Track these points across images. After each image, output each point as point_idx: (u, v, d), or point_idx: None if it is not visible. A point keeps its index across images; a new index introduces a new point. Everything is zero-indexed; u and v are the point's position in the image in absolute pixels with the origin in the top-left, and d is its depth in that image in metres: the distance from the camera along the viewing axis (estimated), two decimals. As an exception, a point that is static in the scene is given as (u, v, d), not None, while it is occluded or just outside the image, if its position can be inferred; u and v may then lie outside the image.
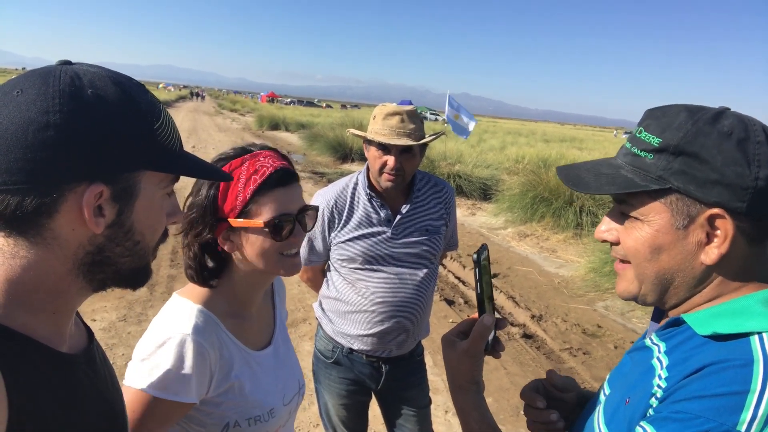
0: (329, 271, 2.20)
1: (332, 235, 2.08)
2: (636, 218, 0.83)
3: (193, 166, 0.79)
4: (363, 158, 14.67)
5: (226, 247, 1.17)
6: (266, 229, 1.12)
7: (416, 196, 2.10)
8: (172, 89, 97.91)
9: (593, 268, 6.31)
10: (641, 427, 0.74)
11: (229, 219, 1.14)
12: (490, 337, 0.95)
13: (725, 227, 0.76)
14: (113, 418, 0.80)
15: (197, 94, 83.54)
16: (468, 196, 11.29)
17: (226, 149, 1.22)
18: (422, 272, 2.09)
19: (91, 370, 0.78)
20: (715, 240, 0.77)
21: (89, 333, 0.84)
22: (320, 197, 2.11)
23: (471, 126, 11.23)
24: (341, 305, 2.12)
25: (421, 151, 2.08)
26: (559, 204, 8.48)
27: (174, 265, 5.60)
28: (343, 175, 6.99)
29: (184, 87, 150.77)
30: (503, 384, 4.00)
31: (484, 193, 11.22)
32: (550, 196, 8.63)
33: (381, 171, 2.00)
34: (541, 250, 7.94)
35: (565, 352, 4.67)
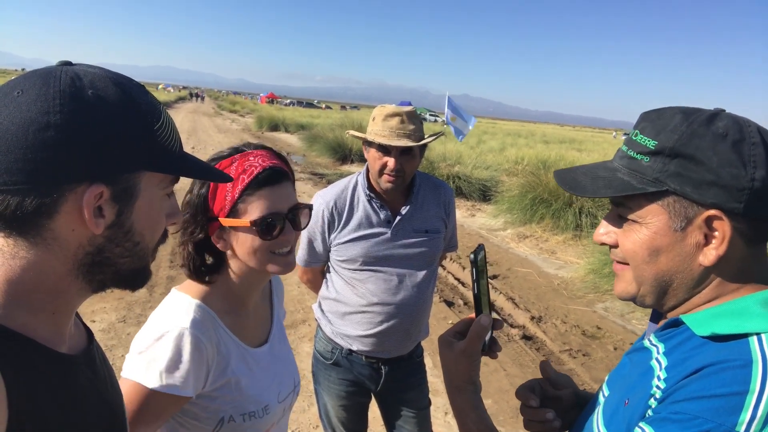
0: (329, 272, 2.20)
1: (332, 236, 2.08)
2: (634, 221, 0.84)
3: (192, 167, 0.79)
4: (362, 159, 14.67)
5: (219, 246, 1.19)
6: (254, 228, 1.13)
7: (416, 197, 2.11)
8: (172, 90, 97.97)
9: (593, 270, 6.32)
10: (640, 427, 0.74)
11: (219, 218, 1.15)
12: (487, 338, 0.95)
13: (723, 228, 0.76)
14: (113, 418, 0.80)
15: (197, 95, 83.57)
16: (467, 197, 11.30)
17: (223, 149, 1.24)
18: (422, 273, 2.09)
19: (91, 370, 0.78)
20: (713, 241, 0.78)
21: (89, 333, 0.84)
22: (320, 198, 2.11)
23: (469, 127, 11.24)
24: (341, 306, 2.12)
25: (420, 152, 2.08)
26: (559, 205, 8.49)
27: (173, 266, 5.59)
28: (342, 176, 7.01)
29: (184, 88, 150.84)
30: (503, 385, 4.00)
31: (484, 194, 11.23)
32: (550, 197, 8.64)
33: (381, 172, 2.00)
34: (540, 251, 7.94)
35: (565, 353, 4.67)
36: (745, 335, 0.73)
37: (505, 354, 4.53)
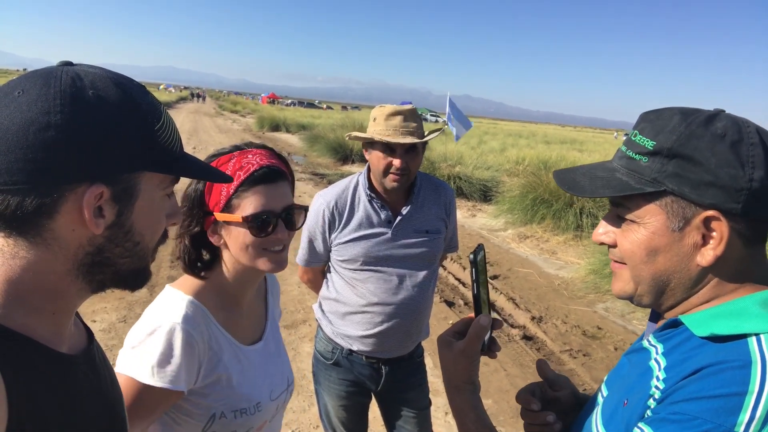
0: (329, 272, 2.20)
1: (332, 236, 2.09)
2: (632, 221, 0.84)
3: (193, 167, 0.80)
4: (363, 160, 14.66)
5: (213, 240, 1.21)
6: (246, 224, 1.15)
7: (417, 197, 2.11)
8: (173, 90, 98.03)
9: (593, 270, 6.31)
10: (639, 428, 0.74)
11: (214, 213, 1.18)
12: (487, 338, 0.95)
13: (720, 229, 0.76)
14: (113, 418, 0.80)
15: (198, 95, 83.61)
16: (468, 197, 11.29)
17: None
18: (422, 273, 2.09)
19: (91, 370, 0.78)
20: (711, 242, 0.78)
21: (89, 333, 0.84)
22: (320, 198, 2.11)
23: (464, 130, 11.29)
24: (341, 306, 2.12)
25: (422, 150, 2.08)
26: (560, 206, 8.48)
27: (174, 267, 5.59)
28: (343, 176, 7.01)
29: (185, 88, 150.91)
30: (503, 386, 4.00)
31: (485, 194, 11.22)
32: (551, 197, 8.63)
33: (386, 172, 2.00)
34: (541, 251, 7.94)
35: (565, 353, 4.67)
36: (744, 336, 0.73)
37: (505, 354, 4.53)
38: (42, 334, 0.68)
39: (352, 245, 2.05)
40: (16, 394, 0.61)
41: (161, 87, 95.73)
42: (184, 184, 1.21)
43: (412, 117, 2.02)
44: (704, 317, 0.78)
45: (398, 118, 1.99)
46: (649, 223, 0.82)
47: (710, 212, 0.77)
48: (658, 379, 0.78)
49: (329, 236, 2.09)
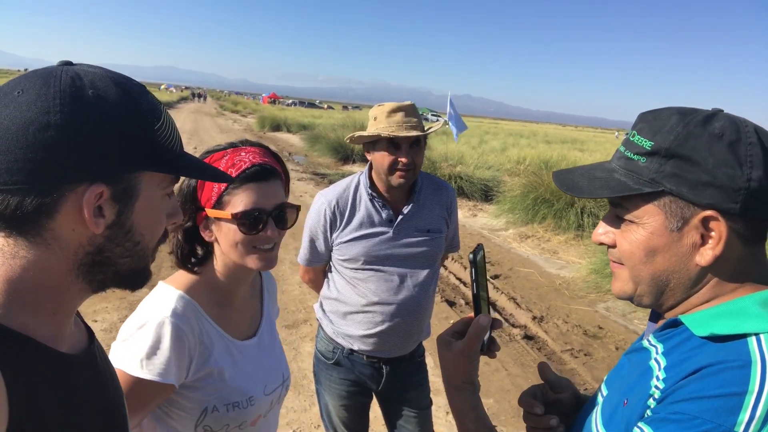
0: (330, 271, 2.20)
1: (334, 235, 2.09)
2: (631, 221, 0.84)
3: (193, 166, 0.80)
4: (364, 160, 14.66)
5: (205, 236, 1.22)
6: (236, 221, 1.16)
7: (418, 196, 2.11)
8: (174, 90, 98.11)
9: (594, 270, 6.31)
10: (639, 428, 0.74)
11: (205, 208, 1.19)
12: (486, 337, 0.95)
13: (719, 229, 0.76)
14: (113, 417, 0.80)
15: (199, 95, 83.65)
16: (469, 197, 11.29)
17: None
18: (423, 272, 2.09)
19: (92, 370, 0.78)
20: (710, 241, 0.78)
21: (90, 333, 0.84)
22: (322, 197, 2.11)
23: (456, 131, 11.33)
24: (342, 306, 2.12)
25: (424, 145, 2.10)
26: (561, 205, 8.48)
27: (175, 267, 5.58)
28: (344, 176, 7.03)
29: (186, 88, 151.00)
30: (504, 385, 4.00)
31: (486, 194, 11.22)
32: (552, 197, 8.63)
33: (392, 169, 2.00)
34: (542, 251, 7.94)
35: (567, 353, 4.67)
36: (744, 335, 0.73)
37: (506, 354, 4.53)
38: (42, 334, 0.68)
39: (354, 244, 2.05)
40: (17, 393, 0.61)
41: (162, 87, 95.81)
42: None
43: (413, 112, 2.03)
44: (704, 317, 0.78)
45: (400, 114, 1.99)
46: (647, 223, 0.81)
47: (708, 212, 0.77)
48: (658, 378, 0.78)
49: (330, 235, 2.09)
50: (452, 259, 6.93)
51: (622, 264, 0.87)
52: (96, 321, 4.32)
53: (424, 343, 2.33)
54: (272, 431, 1.40)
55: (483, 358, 0.97)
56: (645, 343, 0.88)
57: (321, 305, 2.25)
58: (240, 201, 1.17)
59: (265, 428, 1.34)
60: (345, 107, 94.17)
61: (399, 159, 1.98)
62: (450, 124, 11.15)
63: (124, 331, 1.15)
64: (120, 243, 0.72)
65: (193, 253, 1.27)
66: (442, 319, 5.04)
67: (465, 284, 6.25)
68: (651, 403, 0.76)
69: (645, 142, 0.81)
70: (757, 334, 0.73)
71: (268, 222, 1.19)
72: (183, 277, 1.24)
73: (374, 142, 2.03)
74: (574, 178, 0.91)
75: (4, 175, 0.62)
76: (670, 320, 0.83)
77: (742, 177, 0.75)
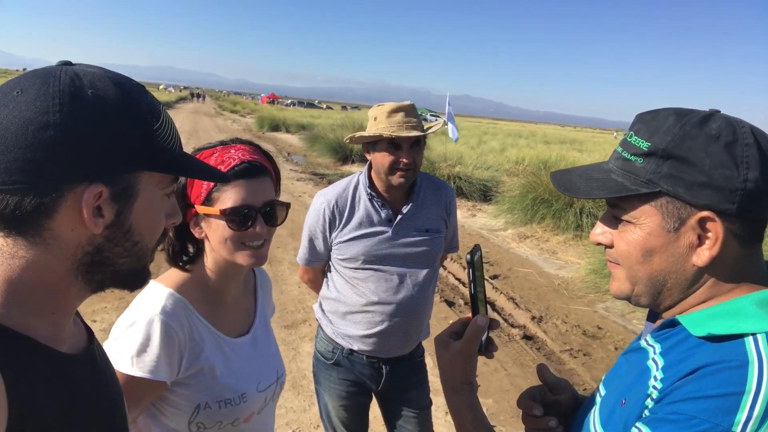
0: (329, 271, 2.20)
1: (333, 235, 2.09)
2: (628, 222, 0.84)
3: (192, 166, 0.80)
4: (363, 160, 14.68)
5: (195, 233, 1.23)
6: (224, 218, 1.17)
7: (417, 196, 2.11)
8: (173, 90, 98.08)
9: (593, 270, 6.32)
10: (637, 428, 0.74)
11: (195, 205, 1.20)
12: (484, 338, 0.95)
13: (716, 229, 0.77)
14: (113, 417, 0.80)
15: (198, 95, 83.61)
16: (468, 197, 11.30)
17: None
18: (423, 272, 2.09)
19: (91, 369, 0.78)
20: (706, 242, 0.78)
21: (89, 333, 0.84)
22: (321, 197, 2.11)
23: (456, 132, 11.37)
24: (341, 306, 2.12)
25: (423, 145, 2.10)
26: (560, 206, 8.48)
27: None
28: (343, 176, 7.03)
29: (185, 88, 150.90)
30: (503, 385, 4.00)
31: (485, 194, 11.22)
32: (550, 197, 8.64)
33: (393, 169, 2.00)
34: (541, 251, 7.94)
35: (566, 353, 4.67)
36: (741, 336, 0.73)
37: (505, 354, 4.53)
38: (42, 334, 0.68)
39: (353, 244, 2.05)
40: (16, 393, 0.61)
41: (161, 87, 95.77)
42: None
43: (413, 112, 2.05)
44: (701, 317, 0.78)
45: (400, 114, 2.00)
46: (644, 223, 0.82)
47: (705, 213, 0.77)
48: (655, 379, 0.78)
49: (330, 235, 2.09)
50: (451, 259, 6.93)
51: (619, 264, 0.87)
52: (95, 321, 4.31)
53: (424, 343, 2.33)
54: (268, 428, 1.40)
55: (481, 358, 0.97)
56: (643, 343, 0.88)
57: (320, 305, 2.25)
58: (229, 197, 1.18)
59: (260, 425, 1.34)
60: (344, 107, 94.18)
61: (400, 159, 1.98)
62: (449, 124, 11.16)
63: (115, 330, 1.17)
64: (119, 243, 0.72)
65: (185, 250, 1.28)
66: (441, 319, 5.04)
67: (464, 284, 6.25)
68: (649, 403, 0.76)
69: (642, 142, 0.82)
70: (754, 334, 0.73)
71: (257, 218, 1.20)
72: (174, 275, 1.25)
73: (374, 143, 2.04)
74: (571, 179, 0.91)
75: (3, 174, 0.62)
76: (667, 320, 0.84)
77: (739, 178, 0.75)
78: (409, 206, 2.08)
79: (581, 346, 4.83)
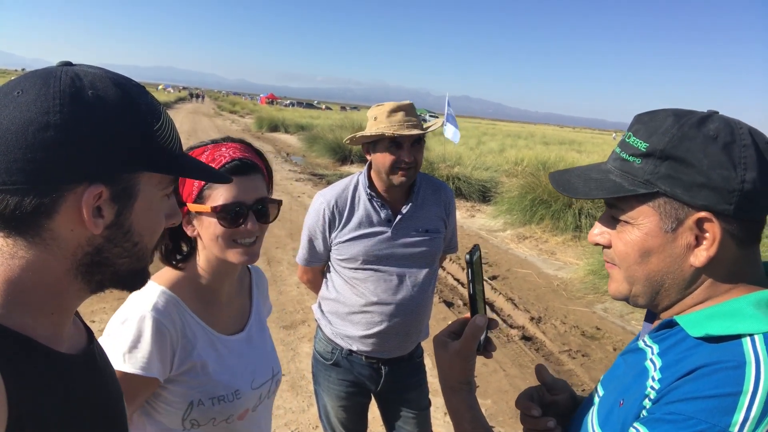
0: (329, 272, 2.20)
1: (333, 235, 2.09)
2: (626, 222, 0.84)
3: (192, 167, 0.80)
4: (362, 160, 14.69)
5: (188, 231, 1.24)
6: (215, 215, 1.18)
7: (416, 196, 2.12)
8: (172, 91, 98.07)
9: (592, 271, 6.32)
10: (635, 428, 0.75)
11: (186, 203, 1.20)
12: (482, 338, 0.95)
13: (713, 230, 0.77)
14: (113, 417, 0.80)
15: (197, 96, 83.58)
16: (467, 198, 11.30)
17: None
18: (422, 272, 2.10)
19: (91, 370, 0.78)
20: (704, 243, 0.78)
21: (89, 333, 0.84)
22: (321, 197, 2.12)
23: (449, 133, 11.36)
24: (341, 306, 2.12)
25: (423, 143, 2.11)
26: (558, 206, 8.49)
27: (173, 267, 5.57)
28: (342, 176, 7.03)
29: (184, 88, 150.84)
30: (502, 386, 4.00)
31: (483, 195, 11.23)
32: (549, 198, 8.64)
33: (395, 168, 2.00)
34: (540, 252, 7.95)
35: (564, 354, 4.68)
36: (739, 336, 0.74)
37: (504, 354, 4.54)
38: (41, 334, 0.68)
39: (352, 244, 2.05)
40: (16, 393, 0.61)
41: (160, 87, 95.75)
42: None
43: (413, 111, 2.05)
44: (699, 318, 0.79)
45: (401, 114, 2.01)
46: (642, 224, 0.82)
47: (703, 213, 0.77)
48: (653, 379, 0.78)
49: (329, 235, 2.10)
50: (450, 259, 6.94)
51: (617, 265, 0.87)
52: (94, 321, 4.31)
53: (423, 343, 2.33)
54: (264, 426, 1.40)
55: (480, 359, 0.97)
56: (641, 343, 0.88)
57: (319, 306, 2.25)
58: (220, 195, 1.18)
59: (255, 423, 1.35)
60: (343, 108, 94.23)
61: (401, 158, 1.99)
62: (449, 125, 11.15)
63: (108, 328, 1.18)
64: (119, 243, 0.72)
65: (178, 249, 1.28)
66: (440, 319, 5.04)
67: (463, 285, 6.25)
68: (647, 403, 0.77)
69: (640, 143, 0.82)
70: (751, 335, 0.73)
71: (248, 216, 1.20)
72: (167, 273, 1.26)
73: (375, 142, 2.04)
74: (570, 179, 0.92)
75: (3, 175, 0.62)
76: (665, 321, 0.84)
77: (736, 179, 0.75)
78: (408, 206, 2.09)
79: (580, 346, 4.84)
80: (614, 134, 76.89)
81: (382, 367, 2.15)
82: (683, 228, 0.79)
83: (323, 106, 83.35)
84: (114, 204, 0.69)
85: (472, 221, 9.99)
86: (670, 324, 0.83)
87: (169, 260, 1.26)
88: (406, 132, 1.96)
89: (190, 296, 1.24)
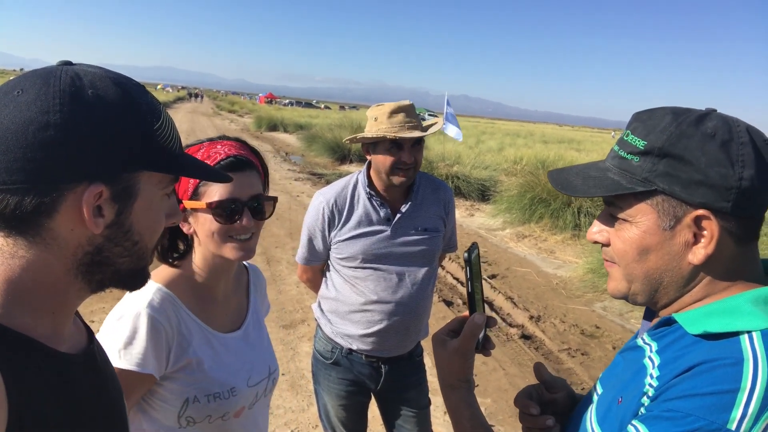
0: (328, 271, 2.21)
1: (332, 233, 2.09)
2: (624, 220, 0.84)
3: (192, 166, 0.80)
4: (361, 159, 14.69)
5: (184, 229, 1.24)
6: (211, 211, 1.19)
7: (416, 195, 2.12)
8: (170, 90, 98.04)
9: (591, 269, 6.32)
10: (633, 425, 0.75)
11: (182, 200, 1.21)
12: (481, 336, 0.95)
13: (711, 227, 0.77)
14: (113, 417, 0.80)
15: (195, 95, 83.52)
16: (466, 197, 11.30)
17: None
18: (421, 271, 2.10)
19: (91, 369, 0.78)
20: (702, 240, 0.78)
21: (89, 333, 0.84)
22: (320, 196, 2.12)
23: (452, 132, 11.36)
24: (340, 305, 2.13)
25: (423, 143, 2.11)
26: (557, 205, 8.49)
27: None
28: (341, 176, 7.04)
29: (183, 88, 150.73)
30: (502, 385, 4.01)
31: (483, 194, 11.23)
32: (548, 197, 8.64)
33: (395, 169, 2.01)
34: (539, 251, 7.95)
35: (564, 352, 4.68)
36: (737, 333, 0.74)
37: (504, 353, 4.54)
38: (42, 334, 0.69)
39: (352, 243, 2.06)
40: (16, 393, 0.61)
41: (159, 87, 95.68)
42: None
43: (413, 112, 2.06)
44: (697, 315, 0.79)
45: (401, 115, 2.01)
46: (640, 222, 0.82)
47: (701, 211, 0.77)
48: (651, 376, 0.78)
49: (329, 234, 2.10)
50: (449, 258, 6.94)
51: (616, 263, 0.88)
52: (93, 321, 4.31)
53: (423, 342, 2.33)
54: (261, 424, 1.40)
55: (480, 358, 0.97)
56: (639, 341, 0.88)
57: (319, 305, 2.26)
58: (215, 191, 1.19)
59: (252, 421, 1.35)
60: (342, 107, 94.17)
61: (402, 159, 1.99)
62: (450, 125, 11.14)
63: (104, 325, 1.19)
64: (119, 243, 0.72)
65: (174, 247, 1.29)
66: (439, 318, 5.04)
67: (462, 284, 6.25)
68: (645, 400, 0.77)
69: (638, 141, 0.82)
70: (749, 332, 0.73)
71: (243, 212, 1.22)
72: (163, 270, 1.27)
73: (375, 143, 2.04)
74: (568, 177, 0.92)
75: (4, 174, 0.62)
76: (663, 318, 0.84)
77: (734, 176, 0.75)
78: (407, 205, 2.09)
79: (579, 345, 4.84)
80: (613, 133, 76.96)
81: (382, 366, 2.16)
82: (681, 226, 0.79)
83: (322, 106, 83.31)
84: (114, 203, 0.69)
85: (472, 220, 9.99)
86: (669, 321, 0.83)
87: (165, 258, 1.26)
88: (408, 134, 1.97)
89: (186, 293, 1.25)
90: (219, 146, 1.24)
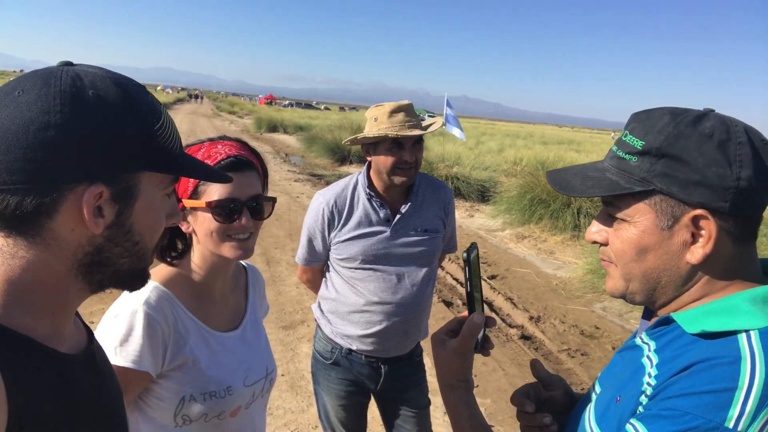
0: (328, 271, 2.21)
1: (332, 234, 2.10)
2: (623, 220, 0.85)
3: (192, 167, 0.80)
4: (361, 160, 14.69)
5: (183, 228, 1.25)
6: (210, 210, 1.20)
7: (416, 196, 2.12)
8: (170, 92, 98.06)
9: (591, 270, 6.33)
10: (631, 424, 0.75)
11: (182, 199, 1.22)
12: (480, 335, 0.95)
13: (709, 227, 0.77)
14: (113, 417, 0.81)
15: (195, 96, 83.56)
16: (466, 198, 11.31)
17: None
18: (421, 272, 2.10)
19: (91, 369, 0.78)
20: (700, 240, 0.79)
21: (89, 333, 0.84)
22: (320, 197, 2.12)
23: (456, 132, 11.38)
24: (340, 306, 2.13)
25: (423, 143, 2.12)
26: (557, 206, 8.50)
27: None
28: (341, 177, 7.05)
29: (182, 89, 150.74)
30: (501, 385, 4.01)
31: (482, 195, 11.24)
32: (548, 198, 8.65)
33: (396, 168, 2.01)
34: (539, 251, 7.95)
35: (563, 353, 4.68)
36: (734, 332, 0.74)
37: (503, 354, 4.54)
38: (42, 334, 0.69)
39: (351, 244, 2.06)
40: (16, 393, 0.61)
41: (158, 88, 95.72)
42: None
43: (412, 111, 2.07)
44: (695, 314, 0.79)
45: (401, 114, 2.02)
46: (638, 221, 0.82)
47: (698, 211, 0.78)
48: (650, 375, 0.79)
49: (328, 235, 2.10)
50: (449, 259, 6.94)
51: (613, 262, 0.88)
52: (93, 322, 4.30)
53: (422, 343, 2.34)
54: (258, 425, 1.41)
55: (480, 358, 0.97)
56: (637, 340, 0.88)
57: (319, 305, 2.26)
58: (215, 191, 1.20)
59: (248, 421, 1.35)
60: (342, 108, 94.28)
61: (403, 158, 2.00)
62: (449, 125, 11.16)
63: (101, 323, 1.19)
64: (119, 243, 0.72)
65: (173, 246, 1.29)
66: (439, 319, 5.04)
67: (462, 284, 6.25)
68: (643, 399, 0.77)
69: (636, 141, 0.83)
70: (747, 331, 0.74)
71: (242, 211, 1.22)
72: (161, 269, 1.27)
73: (376, 143, 2.05)
74: (567, 178, 0.92)
75: (4, 174, 0.62)
76: (662, 318, 0.84)
77: (732, 176, 0.76)
78: (407, 206, 2.09)
79: (579, 345, 4.85)
80: (612, 134, 77.02)
81: (382, 367, 2.16)
82: (679, 225, 0.80)
83: (322, 107, 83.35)
84: (115, 204, 0.69)
85: (471, 221, 9.99)
86: (667, 321, 0.83)
87: (163, 257, 1.27)
88: (408, 133, 1.97)
89: (183, 292, 1.26)
90: (219, 146, 1.24)
